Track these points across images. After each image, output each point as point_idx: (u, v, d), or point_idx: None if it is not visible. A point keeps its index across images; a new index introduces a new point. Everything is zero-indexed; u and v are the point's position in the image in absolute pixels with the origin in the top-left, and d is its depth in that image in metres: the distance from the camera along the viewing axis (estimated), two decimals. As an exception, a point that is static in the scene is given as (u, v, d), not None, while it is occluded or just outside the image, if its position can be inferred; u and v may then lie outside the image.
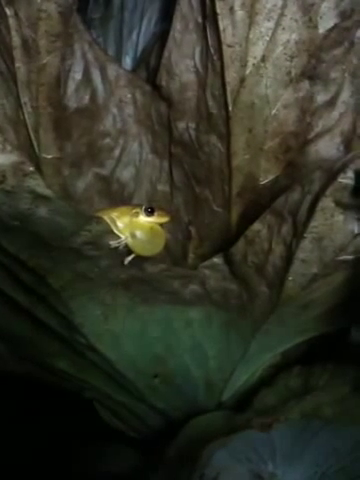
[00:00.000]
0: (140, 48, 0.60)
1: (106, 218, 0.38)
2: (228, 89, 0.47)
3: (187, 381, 0.49)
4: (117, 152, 0.54)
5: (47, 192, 0.31)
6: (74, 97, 0.52)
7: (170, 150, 0.54)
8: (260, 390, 0.49)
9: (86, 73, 0.52)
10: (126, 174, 0.55)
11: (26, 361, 0.49)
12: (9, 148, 0.29)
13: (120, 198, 0.54)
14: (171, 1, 0.54)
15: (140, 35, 0.61)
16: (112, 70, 0.53)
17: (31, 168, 0.30)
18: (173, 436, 0.47)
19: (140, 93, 0.53)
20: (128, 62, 0.61)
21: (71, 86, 0.51)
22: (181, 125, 0.52)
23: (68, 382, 0.50)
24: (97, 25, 0.62)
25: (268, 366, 0.52)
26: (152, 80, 0.53)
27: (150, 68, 0.55)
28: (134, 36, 0.61)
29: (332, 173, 0.35)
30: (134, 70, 0.58)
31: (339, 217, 0.37)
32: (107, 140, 0.54)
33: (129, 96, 0.53)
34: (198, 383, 0.49)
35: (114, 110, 0.53)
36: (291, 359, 0.52)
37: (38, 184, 0.31)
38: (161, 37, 0.55)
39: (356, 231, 0.38)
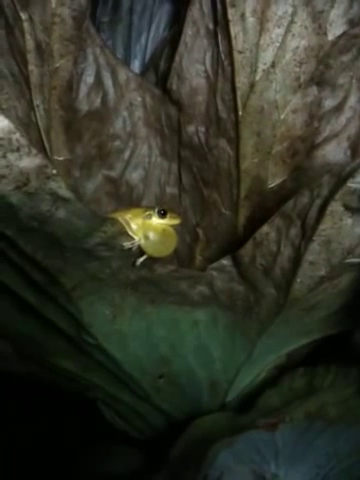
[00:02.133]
0: (149, 52, 0.61)
1: (120, 219, 0.38)
2: (238, 94, 0.47)
3: (192, 382, 0.49)
4: (126, 154, 0.55)
5: (68, 194, 0.31)
6: (85, 100, 0.52)
7: (179, 153, 0.54)
8: (264, 391, 0.50)
9: (98, 77, 0.52)
10: (135, 176, 0.55)
11: (30, 361, 0.49)
12: (34, 151, 0.29)
13: (129, 200, 0.55)
14: (180, 5, 0.55)
15: (149, 39, 0.61)
16: (123, 74, 0.53)
17: (54, 171, 0.30)
18: (176, 437, 0.47)
19: (150, 97, 0.54)
20: (136, 66, 0.61)
21: (83, 89, 0.52)
22: (190, 129, 0.52)
23: (72, 382, 0.50)
24: (106, 29, 0.62)
25: (272, 367, 0.52)
26: (161, 84, 0.54)
27: (159, 72, 0.56)
28: (143, 40, 0.61)
29: (341, 177, 0.36)
30: (143, 74, 0.58)
31: (348, 221, 0.37)
32: (117, 143, 0.54)
33: (139, 99, 0.54)
34: (202, 384, 0.50)
35: (124, 113, 0.54)
36: (295, 361, 0.52)
37: (60, 186, 0.31)
38: (170, 41, 0.55)
39: (364, 234, 0.39)
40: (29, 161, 0.30)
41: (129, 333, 0.45)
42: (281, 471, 0.42)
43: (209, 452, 0.41)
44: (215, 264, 0.44)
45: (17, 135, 0.28)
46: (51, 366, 0.48)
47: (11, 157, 0.29)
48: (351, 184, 0.35)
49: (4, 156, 0.29)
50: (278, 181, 0.50)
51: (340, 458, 0.43)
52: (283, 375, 0.51)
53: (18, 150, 0.29)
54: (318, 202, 0.38)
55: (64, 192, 0.31)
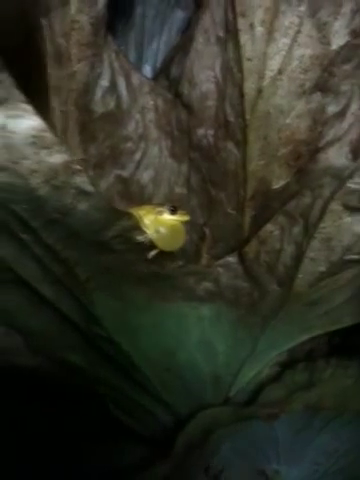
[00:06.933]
0: (160, 56, 0.61)
1: (135, 214, 0.40)
2: (246, 99, 0.48)
3: (196, 376, 0.50)
4: (138, 155, 0.55)
5: (90, 188, 0.33)
6: (100, 103, 0.53)
7: (188, 155, 0.55)
8: (267, 386, 0.50)
9: (112, 81, 0.53)
10: (146, 176, 0.56)
11: (39, 354, 0.49)
12: (62, 149, 0.31)
13: (139, 199, 0.55)
14: (190, 12, 0.56)
15: (160, 44, 0.61)
16: (136, 78, 0.54)
17: (79, 167, 0.32)
18: (181, 432, 0.47)
19: (162, 100, 0.54)
20: (148, 70, 0.61)
21: (98, 92, 0.52)
22: (200, 131, 0.53)
23: (80, 377, 0.50)
24: (119, 34, 0.62)
25: (275, 364, 0.53)
26: (173, 88, 0.55)
27: (171, 77, 0.56)
28: (154, 45, 0.62)
29: (341, 179, 0.37)
30: (155, 78, 0.59)
31: (347, 219, 0.38)
32: (129, 144, 0.55)
33: (151, 103, 0.54)
34: (206, 378, 0.50)
35: (137, 116, 0.54)
36: (297, 358, 0.53)
37: (83, 181, 0.33)
38: (181, 47, 0.56)
39: (362, 232, 0.40)
40: (58, 157, 0.32)
41: (139, 327, 0.46)
42: (282, 467, 0.44)
43: (210, 439, 0.42)
44: (221, 261, 0.45)
45: (48, 133, 0.31)
46: (60, 360, 0.49)
47: (43, 153, 0.32)
48: (350, 185, 0.36)
49: (37, 152, 0.31)
50: (282, 183, 0.50)
51: (338, 457, 0.44)
52: (285, 370, 0.52)
53: (49, 147, 0.31)
54: (319, 202, 0.39)
55: (87, 186, 0.33)
